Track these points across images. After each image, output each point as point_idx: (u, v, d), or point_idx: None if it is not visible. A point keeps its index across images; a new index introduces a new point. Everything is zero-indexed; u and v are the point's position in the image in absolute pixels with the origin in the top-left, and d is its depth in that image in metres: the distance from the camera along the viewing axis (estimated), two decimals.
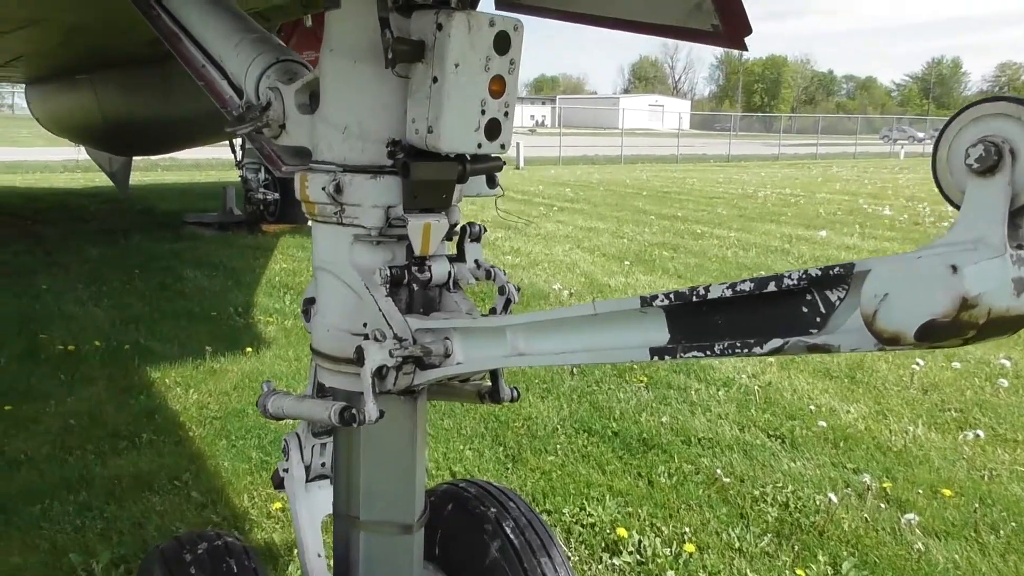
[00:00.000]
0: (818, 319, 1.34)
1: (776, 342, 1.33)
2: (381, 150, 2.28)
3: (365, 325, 2.30)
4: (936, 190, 1.23)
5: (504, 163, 2.42)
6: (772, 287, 1.35)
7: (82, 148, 17.62)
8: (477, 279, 2.42)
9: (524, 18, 2.40)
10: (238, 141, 14.92)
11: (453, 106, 2.14)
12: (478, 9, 2.21)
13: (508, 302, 2.35)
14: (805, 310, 1.34)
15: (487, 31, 2.15)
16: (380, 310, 2.24)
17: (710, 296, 1.40)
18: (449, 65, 2.10)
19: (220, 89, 3.06)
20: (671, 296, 1.46)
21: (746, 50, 2.49)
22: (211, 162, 28.33)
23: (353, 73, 2.30)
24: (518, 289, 2.38)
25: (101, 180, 18.40)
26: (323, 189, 2.29)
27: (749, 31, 2.44)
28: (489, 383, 2.45)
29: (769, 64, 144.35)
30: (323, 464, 2.75)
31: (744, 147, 52.73)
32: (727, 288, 1.38)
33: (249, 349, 7.52)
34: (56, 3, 5.67)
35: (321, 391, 2.46)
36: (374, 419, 2.14)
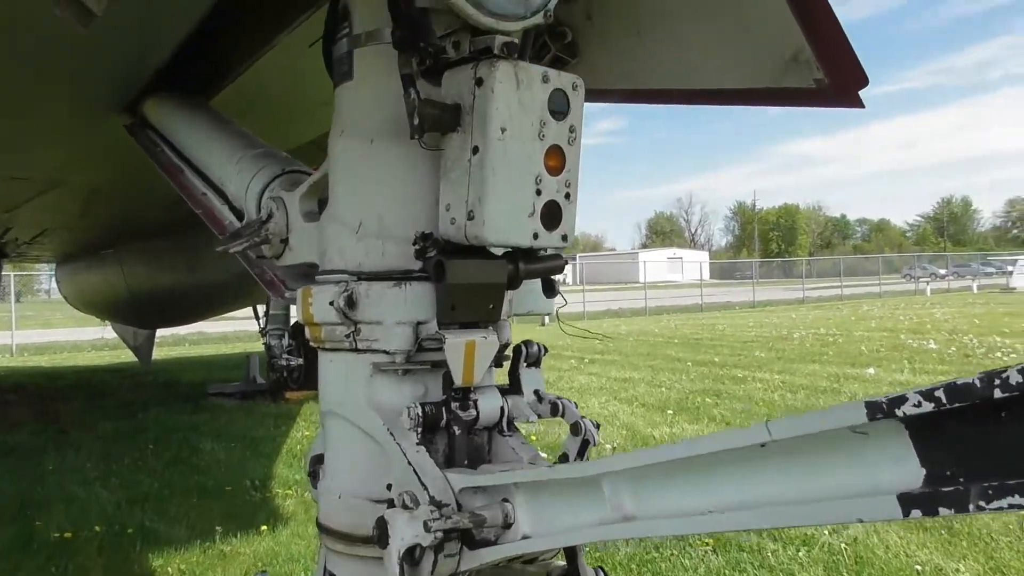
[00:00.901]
0: None
1: None
2: (406, 250, 1.73)
3: (389, 488, 1.65)
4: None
5: (567, 262, 1.86)
6: None
7: (109, 325, 17.64)
8: (540, 416, 1.79)
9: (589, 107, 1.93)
10: (261, 308, 14.74)
11: (500, 183, 1.61)
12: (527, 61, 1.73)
13: (585, 445, 1.71)
14: None
15: (540, 88, 1.65)
16: (410, 464, 1.60)
17: (1008, 386, 0.77)
18: (493, 130, 1.59)
19: (220, 215, 2.64)
20: (929, 395, 0.84)
21: (862, 107, 1.99)
22: (238, 334, 28.36)
23: (369, 155, 1.80)
24: (597, 427, 1.74)
25: (126, 356, 18.22)
26: (331, 304, 1.72)
27: (865, 82, 1.94)
28: (563, 562, 1.75)
29: (783, 212, 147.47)
30: None
31: (767, 293, 52.63)
32: None
33: (264, 527, 6.77)
34: (72, 162, 5.50)
35: None
36: None
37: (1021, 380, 0.77)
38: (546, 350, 1.90)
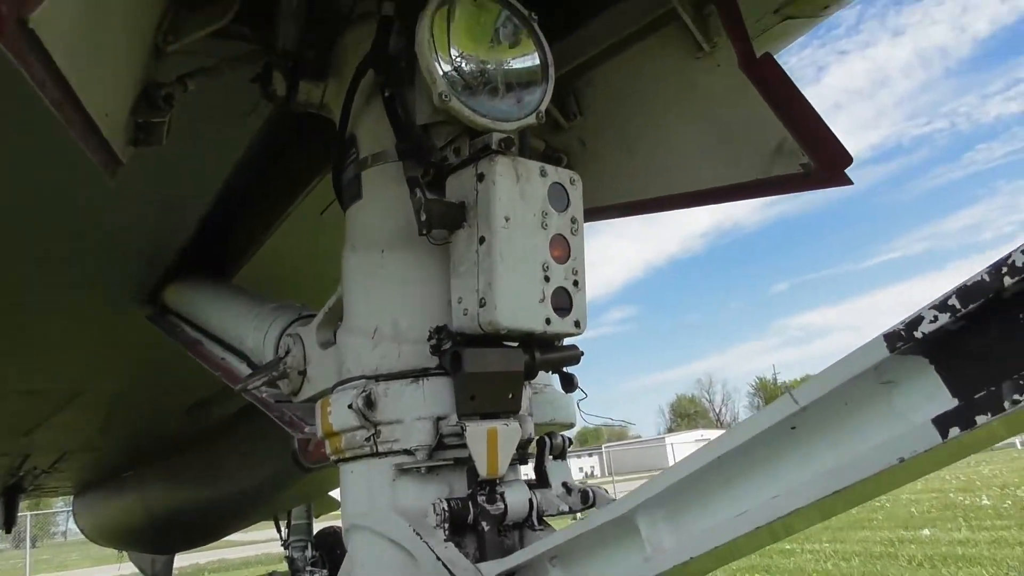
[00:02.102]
0: None
1: None
2: (422, 349, 1.74)
3: None
4: None
5: (583, 353, 1.85)
6: None
7: (125, 555, 17.04)
8: (571, 508, 1.70)
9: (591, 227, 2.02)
10: (283, 520, 14.30)
11: (508, 269, 1.65)
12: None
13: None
14: None
15: (539, 181, 1.74)
16: (439, 560, 1.51)
17: (1016, 269, 0.75)
18: (497, 219, 1.66)
19: (239, 373, 2.67)
20: (943, 306, 0.80)
21: (850, 183, 2.05)
22: (260, 558, 27.29)
23: (381, 265, 1.86)
24: None
25: None
26: (350, 407, 1.70)
27: (849, 161, 2.02)
28: None
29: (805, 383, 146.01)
30: None
31: None
32: None
33: None
34: (94, 366, 5.60)
35: None
36: None
37: None
38: (570, 441, 1.84)
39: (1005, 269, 0.75)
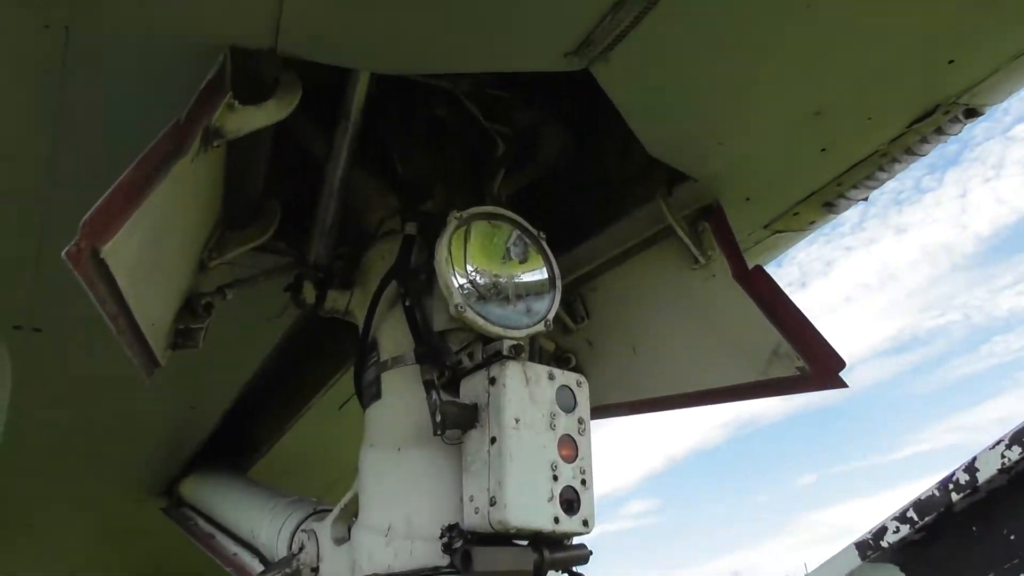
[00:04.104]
0: None
1: None
2: (434, 547, 1.81)
3: None
4: None
5: (591, 552, 1.90)
6: None
7: None
8: None
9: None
10: None
11: (518, 468, 1.75)
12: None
13: None
14: None
15: (547, 384, 1.88)
16: None
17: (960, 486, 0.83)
18: (508, 420, 1.79)
19: (250, 569, 2.71)
20: (902, 518, 0.88)
21: (845, 386, 2.15)
22: None
23: (396, 462, 1.97)
24: None
25: None
26: None
27: (842, 365, 2.15)
28: None
29: None
30: None
31: None
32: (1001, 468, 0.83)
33: None
34: (96, 556, 5.50)
35: None
36: None
37: (968, 479, 0.84)
38: None
39: (951, 486, 0.84)
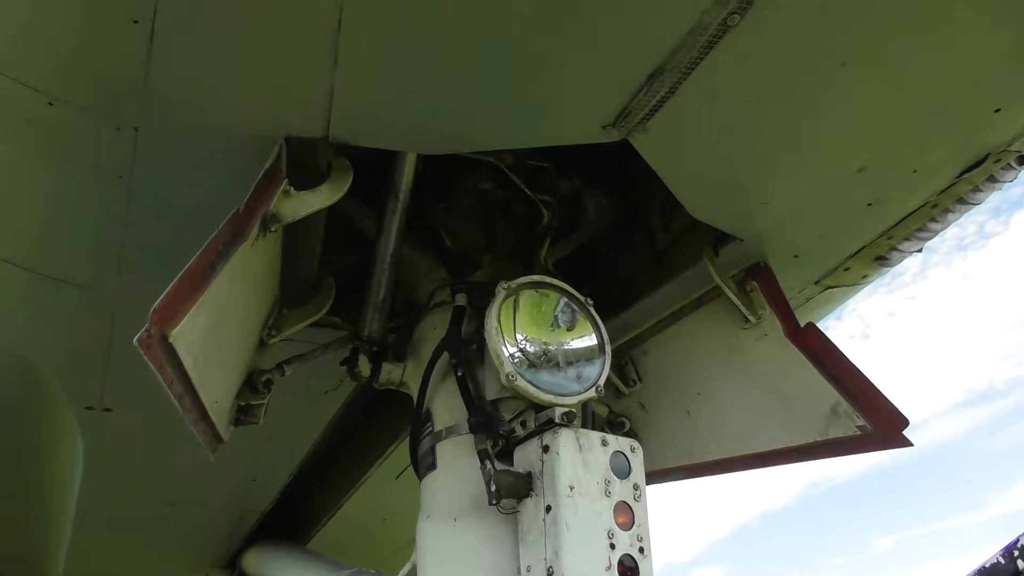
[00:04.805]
0: None
1: None
2: None
3: None
4: None
5: None
6: None
7: None
8: None
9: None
10: None
11: (574, 537, 1.75)
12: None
13: None
14: None
15: (600, 450, 1.89)
16: None
17: None
18: (562, 488, 1.79)
19: None
20: None
21: (910, 445, 2.10)
22: None
23: (453, 534, 1.99)
24: None
25: None
26: None
27: (905, 423, 2.10)
28: None
29: None
30: None
31: None
32: None
33: None
34: None
35: None
36: None
37: None
38: None
39: (1016, 552, 0.82)
